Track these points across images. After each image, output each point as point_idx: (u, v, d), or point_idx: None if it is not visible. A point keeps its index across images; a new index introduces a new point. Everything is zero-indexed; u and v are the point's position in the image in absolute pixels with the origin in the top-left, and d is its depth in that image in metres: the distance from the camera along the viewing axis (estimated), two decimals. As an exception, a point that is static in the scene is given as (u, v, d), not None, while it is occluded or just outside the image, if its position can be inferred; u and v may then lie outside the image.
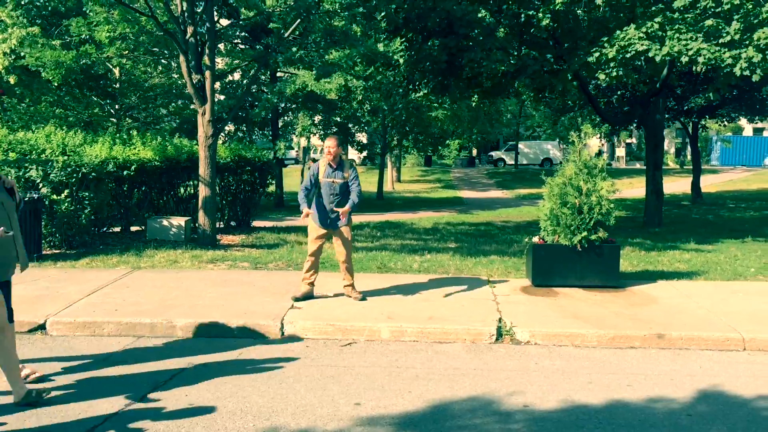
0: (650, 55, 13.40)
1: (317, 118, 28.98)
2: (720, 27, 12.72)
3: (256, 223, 16.38)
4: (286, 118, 29.22)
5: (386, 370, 5.81)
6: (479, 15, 15.04)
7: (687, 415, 4.94)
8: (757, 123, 44.02)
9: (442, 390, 5.35)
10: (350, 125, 30.86)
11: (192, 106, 16.59)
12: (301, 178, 36.25)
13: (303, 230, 15.31)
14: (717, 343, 6.68)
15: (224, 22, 18.87)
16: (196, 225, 12.47)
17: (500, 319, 7.11)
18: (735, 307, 7.78)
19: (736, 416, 4.93)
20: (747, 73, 12.73)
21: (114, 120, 25.87)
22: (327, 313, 7.28)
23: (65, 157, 10.72)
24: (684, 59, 13.02)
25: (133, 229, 13.49)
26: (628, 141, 66.48)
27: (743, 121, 40.29)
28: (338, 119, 29.06)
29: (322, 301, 7.77)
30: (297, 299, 7.76)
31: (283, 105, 27.65)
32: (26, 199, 9.82)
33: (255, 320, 6.95)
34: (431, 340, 6.76)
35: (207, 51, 12.22)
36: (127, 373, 5.65)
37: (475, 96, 20.10)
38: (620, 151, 65.69)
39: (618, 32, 13.96)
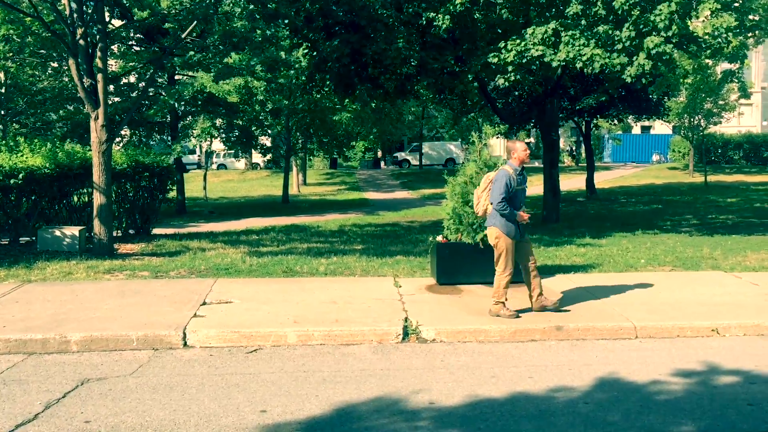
0: (546, 60, 13.92)
1: (219, 122, 28.41)
2: (611, 33, 13.34)
3: (156, 231, 15.89)
4: (185, 121, 28.49)
5: (293, 375, 5.75)
6: (380, 12, 15.21)
7: (585, 402, 5.13)
8: (644, 122, 46.45)
9: (349, 392, 5.34)
10: (253, 128, 30.42)
11: (85, 110, 15.92)
12: (204, 182, 35.43)
13: (206, 236, 14.98)
14: (611, 333, 6.98)
15: (117, 23, 18.21)
16: (92, 234, 11.97)
17: (406, 319, 7.17)
18: (627, 297, 8.16)
19: (630, 401, 5.16)
20: (634, 79, 13.43)
21: None
22: (232, 319, 7.13)
23: (-56, 166, 10.06)
24: (578, 65, 13.58)
25: (23, 240, 12.80)
26: (527, 140, 68.64)
27: (631, 120, 42.39)
28: (240, 122, 28.58)
29: (226, 308, 7.61)
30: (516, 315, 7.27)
31: (182, 108, 26.95)
32: None
33: (156, 331, 6.72)
34: (338, 342, 6.74)
35: (99, 53, 11.76)
36: (17, 393, 5.34)
37: (376, 98, 20.28)
38: (519, 151, 67.55)
39: (514, 36, 14.41)
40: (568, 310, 7.48)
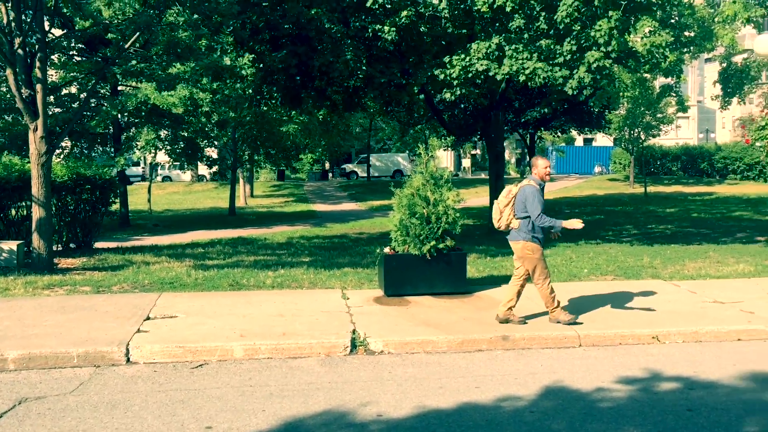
0: (491, 74, 14.14)
1: (163, 133, 27.91)
2: (553, 47, 13.64)
3: (98, 245, 15.51)
4: (129, 132, 27.93)
5: (239, 390, 5.68)
6: (327, 26, 15.24)
7: (530, 411, 5.20)
8: (587, 134, 47.59)
9: (297, 406, 5.30)
10: (199, 140, 30.01)
11: (23, 122, 15.46)
12: (148, 195, 34.78)
13: (150, 250, 14.69)
14: (555, 341, 7.10)
15: (57, 32, 17.79)
16: (30, 248, 11.61)
17: (354, 331, 7.16)
18: (571, 307, 8.29)
19: (575, 409, 5.25)
20: (576, 92, 13.77)
21: (-68, 138, 23.59)
22: (176, 334, 7.00)
23: None
24: (521, 78, 13.83)
25: (-43, 255, 12.33)
26: (473, 152, 69.54)
27: (574, 132, 43.36)
28: (185, 134, 28.16)
29: (171, 323, 7.46)
30: (574, 323, 7.46)
31: (125, 119, 26.43)
32: None
33: (97, 347, 6.55)
34: (286, 355, 6.69)
35: (38, 63, 11.45)
36: (-50, 415, 5.13)
37: (324, 110, 20.29)
38: (466, 162, 68.53)
39: (459, 51, 14.62)
40: (527, 323, 7.56)
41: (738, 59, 27.61)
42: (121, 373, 6.20)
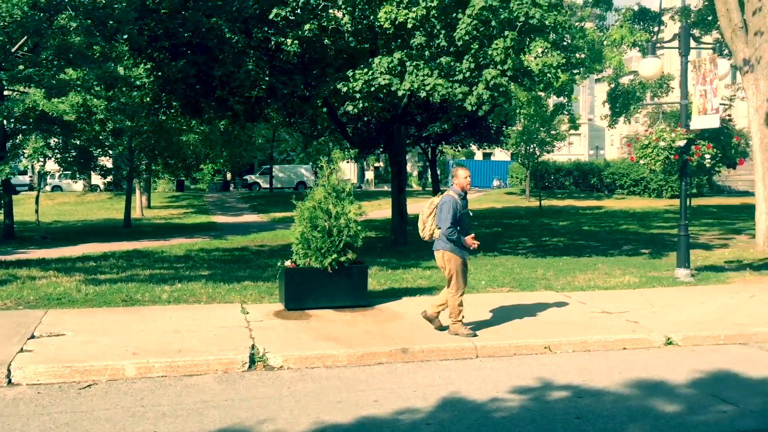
0: (393, 89, 14.35)
1: (53, 141, 26.63)
2: (452, 64, 13.99)
3: (-21, 258, 14.62)
4: (15, 140, 26.48)
5: (130, 411, 5.46)
6: (228, 36, 15.01)
7: (427, 423, 5.27)
8: (486, 149, 48.92)
9: (190, 426, 5.15)
10: (92, 148, 28.83)
11: None
12: (36, 205, 33.12)
13: (37, 264, 13.96)
14: (454, 353, 7.23)
15: (-64, 32, 16.68)
16: None
17: (253, 346, 7.04)
18: (468, 318, 8.46)
19: (470, 420, 5.36)
20: (475, 108, 14.16)
21: None
22: (64, 353, 6.67)
23: None
24: (422, 94, 14.11)
25: None
26: (376, 165, 70.14)
27: (474, 147, 44.49)
28: (78, 142, 27.00)
29: (58, 341, 7.10)
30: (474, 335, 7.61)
31: (12, 126, 25.07)
32: None
33: (-25, 369, 6.15)
34: (181, 373, 6.49)
35: None
36: None
37: (225, 120, 19.96)
38: (369, 174, 69.04)
39: (362, 65, 14.75)
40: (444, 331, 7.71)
41: (625, 81, 29.20)
42: (1, 395, 5.84)
